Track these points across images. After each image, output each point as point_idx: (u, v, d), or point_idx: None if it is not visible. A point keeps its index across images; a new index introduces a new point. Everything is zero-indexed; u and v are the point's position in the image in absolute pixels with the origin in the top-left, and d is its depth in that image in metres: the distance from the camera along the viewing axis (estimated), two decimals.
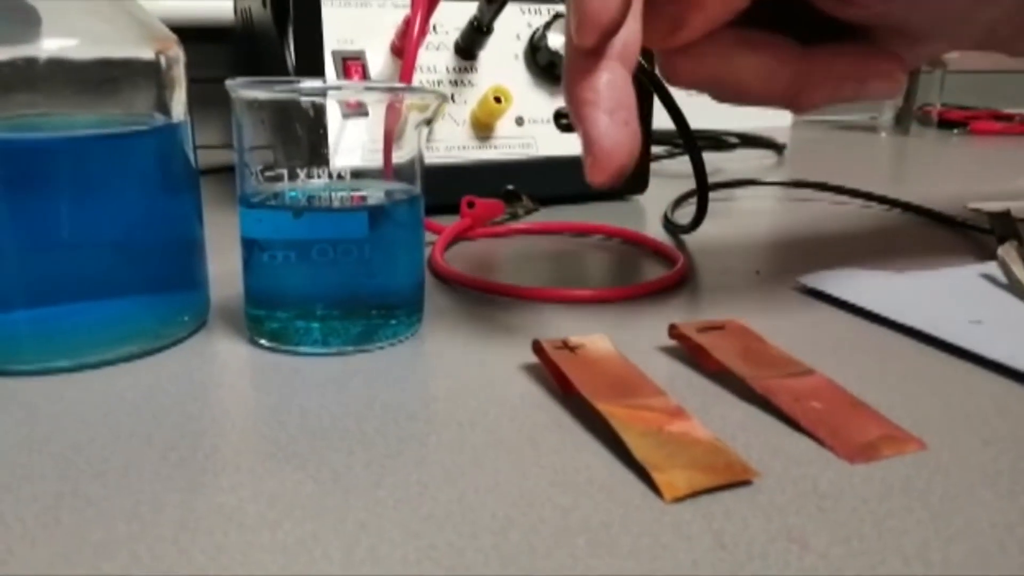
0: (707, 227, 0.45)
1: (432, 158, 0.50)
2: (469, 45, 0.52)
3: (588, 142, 0.25)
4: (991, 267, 0.38)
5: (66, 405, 0.25)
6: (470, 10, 0.52)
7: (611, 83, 0.26)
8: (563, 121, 0.55)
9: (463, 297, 0.36)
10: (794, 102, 0.31)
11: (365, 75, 0.50)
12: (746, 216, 0.54)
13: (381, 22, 0.51)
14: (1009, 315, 0.33)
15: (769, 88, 0.30)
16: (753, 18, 0.30)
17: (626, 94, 0.26)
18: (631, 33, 0.26)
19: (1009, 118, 1.05)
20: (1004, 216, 0.42)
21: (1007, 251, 0.38)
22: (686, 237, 0.47)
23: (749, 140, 0.82)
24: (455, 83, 0.53)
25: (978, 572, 0.18)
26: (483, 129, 0.53)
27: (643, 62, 0.44)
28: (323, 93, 0.29)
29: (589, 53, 0.26)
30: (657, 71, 0.33)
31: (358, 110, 0.30)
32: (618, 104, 0.25)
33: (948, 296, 0.35)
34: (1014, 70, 1.19)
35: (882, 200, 0.55)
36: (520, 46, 0.55)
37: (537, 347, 0.28)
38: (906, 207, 0.54)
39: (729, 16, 0.29)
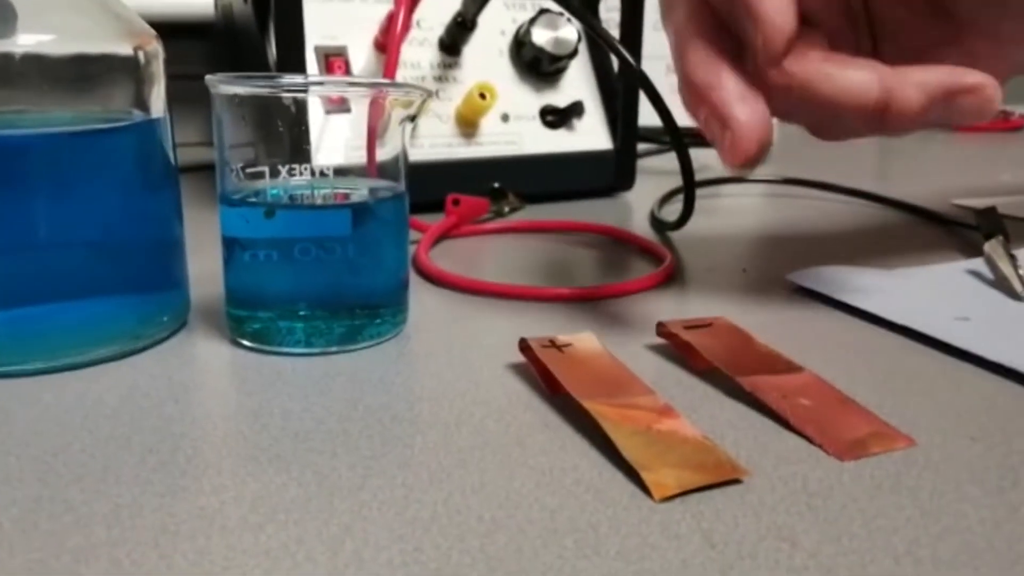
0: (694, 224, 0.45)
1: (416, 155, 0.50)
2: (453, 41, 0.52)
3: (724, 121, 0.27)
4: (977, 263, 0.39)
5: (43, 408, 0.25)
6: (454, 5, 0.51)
7: (733, 74, 0.28)
8: (548, 118, 0.55)
9: (448, 296, 0.36)
10: (884, 120, 0.29)
11: (348, 71, 0.50)
12: (733, 213, 0.54)
13: (364, 17, 0.51)
14: (995, 311, 0.33)
15: (860, 102, 0.29)
16: (840, 39, 0.31)
17: (750, 87, 0.28)
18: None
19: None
20: (990, 212, 0.42)
21: (993, 247, 0.38)
22: (673, 234, 0.47)
23: None
24: (439, 79, 0.52)
25: (967, 569, 0.18)
26: (468, 126, 0.52)
27: (628, 57, 0.44)
28: (305, 89, 0.29)
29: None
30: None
31: (341, 106, 0.29)
32: (747, 92, 0.28)
33: (935, 292, 0.35)
34: None
35: (868, 197, 0.55)
36: (505, 42, 0.55)
37: (524, 346, 0.27)
38: (892, 204, 0.54)
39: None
